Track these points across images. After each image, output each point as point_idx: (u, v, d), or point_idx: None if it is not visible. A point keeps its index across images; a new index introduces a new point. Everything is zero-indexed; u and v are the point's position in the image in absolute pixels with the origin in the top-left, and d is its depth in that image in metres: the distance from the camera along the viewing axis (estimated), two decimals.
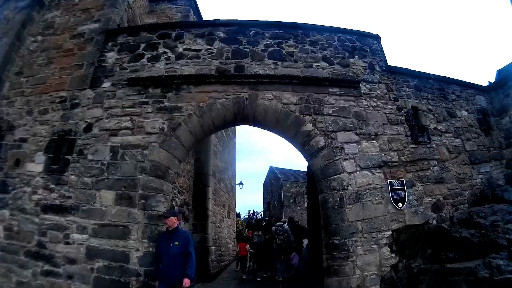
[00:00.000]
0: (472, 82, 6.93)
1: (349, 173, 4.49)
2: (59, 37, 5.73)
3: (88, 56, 5.37)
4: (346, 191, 4.39)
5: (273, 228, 7.19)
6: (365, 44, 5.74)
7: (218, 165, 9.36)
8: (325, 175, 4.46)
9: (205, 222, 7.53)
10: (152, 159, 4.39)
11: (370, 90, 5.28)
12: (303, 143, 4.64)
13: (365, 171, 4.61)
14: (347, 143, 4.67)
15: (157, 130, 4.57)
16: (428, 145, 5.32)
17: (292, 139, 4.81)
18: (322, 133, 4.65)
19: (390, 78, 5.57)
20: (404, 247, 4.50)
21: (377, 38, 5.98)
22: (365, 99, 5.14)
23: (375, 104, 5.18)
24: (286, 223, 8.41)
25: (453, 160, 5.56)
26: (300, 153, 4.91)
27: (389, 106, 5.28)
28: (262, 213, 30.89)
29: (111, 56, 5.31)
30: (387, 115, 5.18)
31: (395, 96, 5.43)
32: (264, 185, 34.22)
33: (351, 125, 4.83)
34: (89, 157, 4.48)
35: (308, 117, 4.73)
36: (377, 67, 5.58)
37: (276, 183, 30.51)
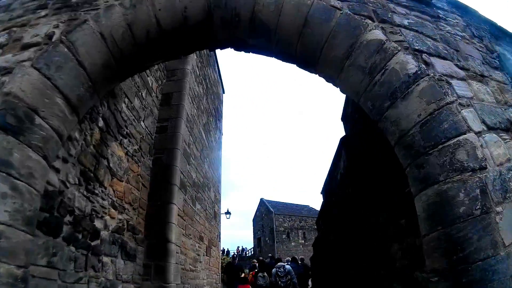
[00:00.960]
0: None
1: (477, 134, 1.98)
2: None
3: None
4: (487, 174, 1.82)
5: (274, 269, 6.27)
6: None
7: (192, 175, 6.24)
8: (433, 138, 1.83)
9: (164, 262, 4.27)
10: (7, 90, 1.69)
11: (446, 17, 3.14)
12: (370, 67, 2.04)
13: (494, 134, 2.15)
14: (452, 77, 2.23)
15: (39, 38, 2.03)
16: None
17: (339, 65, 2.21)
18: (406, 50, 2.17)
19: (461, 14, 3.58)
20: None
21: None
22: (445, 24, 2.95)
23: (461, 33, 2.99)
24: (288, 263, 7.48)
25: None
26: (358, 102, 2.32)
27: (477, 43, 3.15)
28: (252, 249, 27.72)
29: None
30: (481, 53, 3.00)
31: (478, 34, 3.36)
32: (254, 219, 30.70)
33: (446, 52, 2.46)
34: None
35: (369, 21, 2.26)
36: None
37: (267, 217, 27.33)
